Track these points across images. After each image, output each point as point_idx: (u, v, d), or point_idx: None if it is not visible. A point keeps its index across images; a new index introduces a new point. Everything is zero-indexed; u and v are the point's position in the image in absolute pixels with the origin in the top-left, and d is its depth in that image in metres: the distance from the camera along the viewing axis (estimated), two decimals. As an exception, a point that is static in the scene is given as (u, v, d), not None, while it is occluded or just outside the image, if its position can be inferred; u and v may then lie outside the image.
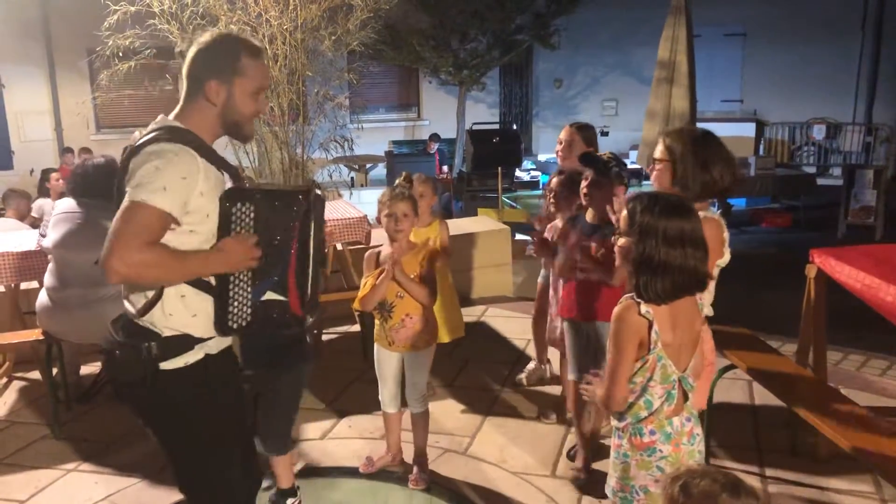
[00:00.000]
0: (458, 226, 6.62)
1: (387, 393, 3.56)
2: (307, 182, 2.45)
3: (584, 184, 3.36)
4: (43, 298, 4.18)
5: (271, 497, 3.24)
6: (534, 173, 13.79)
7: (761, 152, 14.10)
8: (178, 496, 2.70)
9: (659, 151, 2.81)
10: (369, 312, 3.50)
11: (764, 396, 4.18)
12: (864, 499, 3.37)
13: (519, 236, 7.76)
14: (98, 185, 3.95)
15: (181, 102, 2.19)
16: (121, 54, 5.81)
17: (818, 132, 14.67)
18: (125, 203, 1.97)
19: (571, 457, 3.71)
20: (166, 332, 2.10)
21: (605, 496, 2.46)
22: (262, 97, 2.22)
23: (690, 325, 2.26)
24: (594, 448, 3.63)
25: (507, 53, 14.03)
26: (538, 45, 14.81)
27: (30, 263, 4.51)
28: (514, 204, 11.15)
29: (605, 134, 11.66)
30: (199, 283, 2.10)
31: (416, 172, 4.41)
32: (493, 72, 14.75)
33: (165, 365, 2.10)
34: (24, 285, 4.86)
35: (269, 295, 2.17)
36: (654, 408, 2.23)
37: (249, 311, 2.16)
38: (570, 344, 3.50)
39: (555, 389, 4.45)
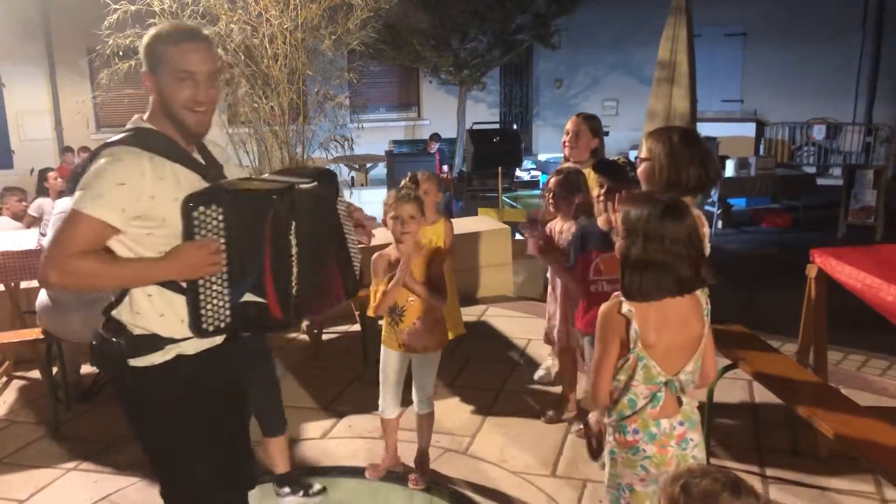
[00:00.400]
0: (458, 225, 6.59)
1: (389, 397, 3.51)
2: (302, 173, 2.34)
3: (599, 191, 3.31)
4: (43, 298, 4.18)
5: (274, 487, 3.32)
6: (534, 173, 13.79)
7: (761, 152, 14.12)
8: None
9: (642, 151, 2.90)
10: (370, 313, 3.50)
11: (764, 396, 4.18)
12: (864, 498, 3.37)
13: (519, 236, 7.76)
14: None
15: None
16: (121, 53, 5.80)
17: (818, 132, 14.67)
18: (68, 210, 2.03)
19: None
20: (136, 331, 2.11)
21: None
22: (190, 83, 2.08)
23: (685, 327, 2.25)
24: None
25: (507, 53, 14.03)
26: (538, 45, 14.80)
27: (30, 262, 4.51)
28: (515, 203, 11.15)
29: (605, 134, 11.66)
30: (167, 283, 2.07)
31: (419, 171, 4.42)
32: (493, 71, 14.75)
33: (134, 362, 2.11)
34: (23, 284, 4.86)
35: (249, 296, 2.09)
36: (638, 407, 2.25)
37: (228, 312, 2.09)
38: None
39: (555, 388, 4.44)
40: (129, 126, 2.15)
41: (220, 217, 2.04)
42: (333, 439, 4.04)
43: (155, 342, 2.10)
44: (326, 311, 2.43)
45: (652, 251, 2.15)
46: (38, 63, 12.85)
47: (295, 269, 2.13)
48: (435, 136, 13.89)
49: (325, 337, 5.51)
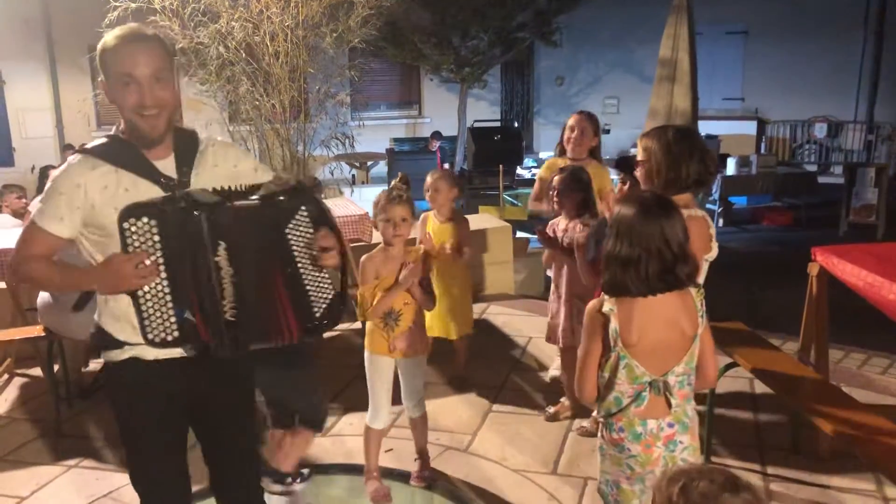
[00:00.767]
0: (459, 223, 6.62)
1: (384, 404, 3.37)
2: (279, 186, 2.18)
3: (622, 187, 3.33)
4: (44, 295, 4.18)
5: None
6: (535, 171, 13.76)
7: (763, 150, 14.12)
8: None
9: (638, 152, 2.88)
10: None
11: (765, 394, 4.18)
12: (865, 497, 3.37)
13: (520, 234, 7.76)
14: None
15: None
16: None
17: (820, 130, 14.66)
18: None
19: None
20: (104, 326, 2.19)
21: None
22: (134, 87, 2.03)
23: (674, 327, 2.23)
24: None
25: (508, 51, 14.02)
26: (540, 43, 14.79)
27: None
28: (516, 202, 11.15)
29: (606, 132, 11.64)
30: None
31: (424, 170, 4.40)
32: (494, 69, 14.73)
33: (103, 355, 2.22)
34: (25, 282, 4.86)
35: (187, 314, 2.05)
36: (623, 405, 2.25)
37: (174, 327, 2.05)
38: None
39: (557, 386, 4.44)
40: (109, 133, 2.18)
41: (155, 230, 1.99)
42: (334, 437, 4.04)
43: (114, 340, 2.17)
44: (277, 344, 2.18)
45: (624, 247, 2.19)
46: (39, 60, 12.84)
47: (229, 292, 2.05)
48: (436, 134, 13.88)
49: (325, 334, 5.50)
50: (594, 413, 2.67)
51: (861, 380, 4.61)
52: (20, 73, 12.76)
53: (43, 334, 4.23)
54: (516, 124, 15.74)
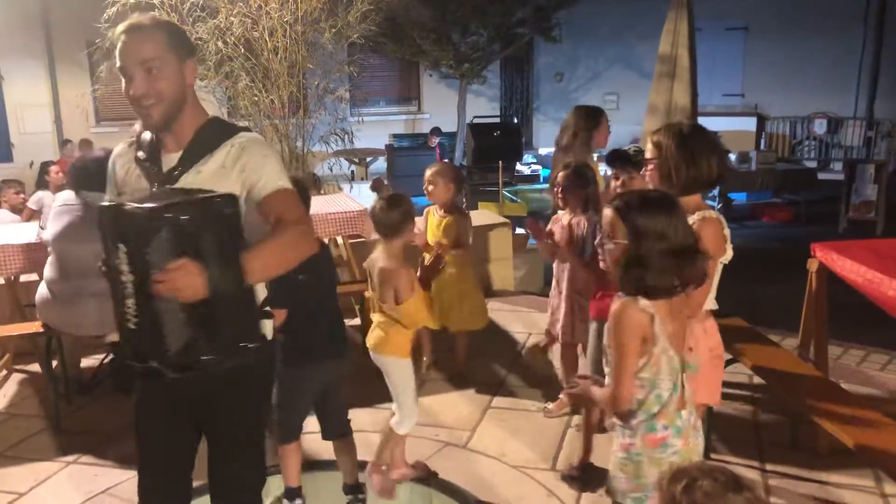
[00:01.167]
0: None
1: (416, 408, 3.39)
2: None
3: (616, 184, 3.28)
4: (43, 291, 4.17)
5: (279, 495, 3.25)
6: (534, 167, 13.77)
7: (762, 147, 14.09)
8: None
9: (648, 150, 2.77)
10: (368, 309, 3.42)
11: (764, 390, 4.19)
12: (864, 493, 3.37)
13: (520, 230, 7.75)
14: (97, 178, 3.92)
15: None
16: (120, 46, 5.79)
17: (819, 126, 14.65)
18: None
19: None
20: None
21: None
22: (128, 79, 2.03)
23: (681, 313, 2.24)
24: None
25: (507, 47, 14.00)
26: (539, 39, 14.77)
27: (30, 256, 4.50)
28: (515, 198, 11.14)
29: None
30: None
31: (423, 166, 4.36)
32: (493, 65, 14.72)
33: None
34: (23, 278, 4.85)
35: None
36: (664, 401, 2.20)
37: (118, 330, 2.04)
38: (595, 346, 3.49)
39: (556, 383, 4.44)
40: None
41: (112, 227, 1.95)
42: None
43: None
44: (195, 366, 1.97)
45: (647, 247, 2.10)
46: (38, 56, 12.83)
47: (130, 298, 1.92)
48: (435, 130, 13.86)
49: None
50: (612, 421, 2.52)
51: (860, 376, 4.61)
52: (19, 69, 12.74)
53: (41, 330, 4.22)
54: (516, 120, 15.72)
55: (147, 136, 2.16)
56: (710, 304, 2.80)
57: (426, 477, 3.53)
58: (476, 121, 13.07)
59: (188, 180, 2.06)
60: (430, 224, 4.49)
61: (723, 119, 14.20)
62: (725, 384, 4.21)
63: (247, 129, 2.21)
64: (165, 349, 1.91)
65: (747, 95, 15.53)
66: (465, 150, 13.31)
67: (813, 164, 13.89)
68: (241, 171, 2.07)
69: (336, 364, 3.13)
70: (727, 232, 2.72)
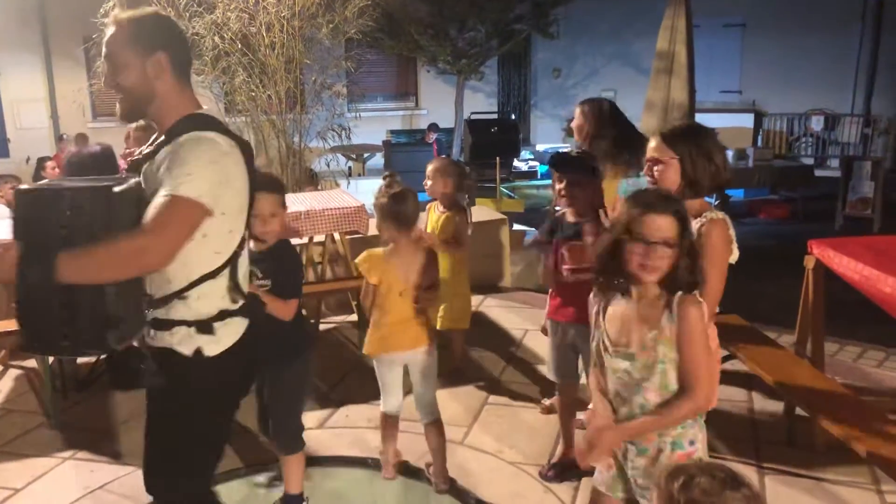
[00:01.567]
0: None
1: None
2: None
3: (560, 185, 3.28)
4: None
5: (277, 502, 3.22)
6: (532, 163, 13.77)
7: (759, 143, 14.08)
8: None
9: (660, 150, 2.65)
10: (366, 306, 3.33)
11: (761, 387, 4.19)
12: (860, 489, 3.38)
13: (517, 226, 7.75)
14: (93, 173, 3.91)
15: None
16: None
17: (816, 123, 14.65)
18: None
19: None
20: None
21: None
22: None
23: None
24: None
25: (505, 43, 13.98)
26: (537, 35, 14.75)
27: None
28: (512, 194, 11.15)
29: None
30: None
31: (420, 162, 4.34)
32: (491, 61, 14.70)
33: None
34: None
35: None
36: None
37: None
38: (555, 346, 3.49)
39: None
40: None
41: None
42: (331, 429, 4.04)
43: None
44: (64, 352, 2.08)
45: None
46: (34, 51, 12.79)
47: (18, 280, 1.89)
48: (433, 127, 13.85)
49: (322, 327, 5.50)
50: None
51: (857, 373, 4.62)
52: (15, 64, 12.70)
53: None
54: (513, 116, 15.71)
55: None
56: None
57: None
58: (473, 117, 13.07)
59: (146, 171, 2.11)
60: (430, 220, 4.51)
61: (720, 116, 14.19)
62: (722, 380, 4.22)
63: (215, 129, 2.10)
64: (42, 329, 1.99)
65: (745, 92, 15.53)
66: (462, 146, 13.31)
67: (810, 161, 13.88)
68: (165, 169, 2.02)
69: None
70: (733, 232, 2.70)
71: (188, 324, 2.09)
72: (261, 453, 3.58)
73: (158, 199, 1.93)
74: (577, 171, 3.28)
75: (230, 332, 2.15)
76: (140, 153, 2.15)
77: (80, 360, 4.76)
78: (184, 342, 2.10)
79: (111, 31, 2.09)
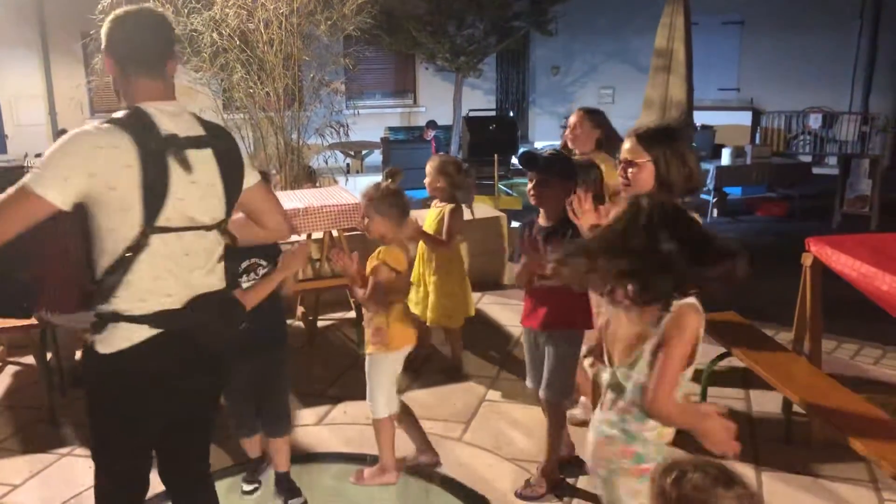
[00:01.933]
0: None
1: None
2: None
3: (529, 186, 3.23)
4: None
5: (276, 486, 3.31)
6: (530, 161, 13.75)
7: (758, 141, 14.11)
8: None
9: (634, 152, 2.62)
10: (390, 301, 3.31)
11: (758, 384, 4.20)
12: (857, 486, 3.39)
13: (515, 224, 7.74)
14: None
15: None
16: (115, 37, 5.76)
17: (814, 121, 14.66)
18: None
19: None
20: None
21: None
22: None
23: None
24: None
25: (504, 40, 13.96)
26: (535, 32, 14.74)
27: (24, 248, 4.48)
28: (510, 191, 11.15)
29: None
30: None
31: (419, 159, 4.35)
32: (489, 58, 14.68)
33: None
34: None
35: None
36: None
37: None
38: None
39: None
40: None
41: None
42: (329, 425, 4.05)
43: None
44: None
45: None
46: (32, 47, 12.75)
47: None
48: (431, 124, 13.83)
49: (319, 324, 5.50)
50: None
51: (854, 370, 4.63)
52: (12, 60, 12.66)
53: (36, 322, 4.20)
54: (511, 114, 15.69)
55: None
56: None
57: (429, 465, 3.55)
58: (472, 114, 13.04)
59: None
60: (430, 216, 4.54)
61: (718, 113, 14.22)
62: (719, 377, 4.23)
63: (120, 123, 2.05)
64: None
65: (743, 90, 15.53)
66: (460, 143, 13.29)
67: (808, 159, 13.90)
68: None
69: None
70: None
71: (95, 315, 2.09)
72: (237, 455, 3.55)
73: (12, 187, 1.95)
74: (544, 171, 3.18)
75: (122, 337, 2.06)
76: None
77: (78, 356, 4.76)
78: (89, 331, 2.12)
79: None
